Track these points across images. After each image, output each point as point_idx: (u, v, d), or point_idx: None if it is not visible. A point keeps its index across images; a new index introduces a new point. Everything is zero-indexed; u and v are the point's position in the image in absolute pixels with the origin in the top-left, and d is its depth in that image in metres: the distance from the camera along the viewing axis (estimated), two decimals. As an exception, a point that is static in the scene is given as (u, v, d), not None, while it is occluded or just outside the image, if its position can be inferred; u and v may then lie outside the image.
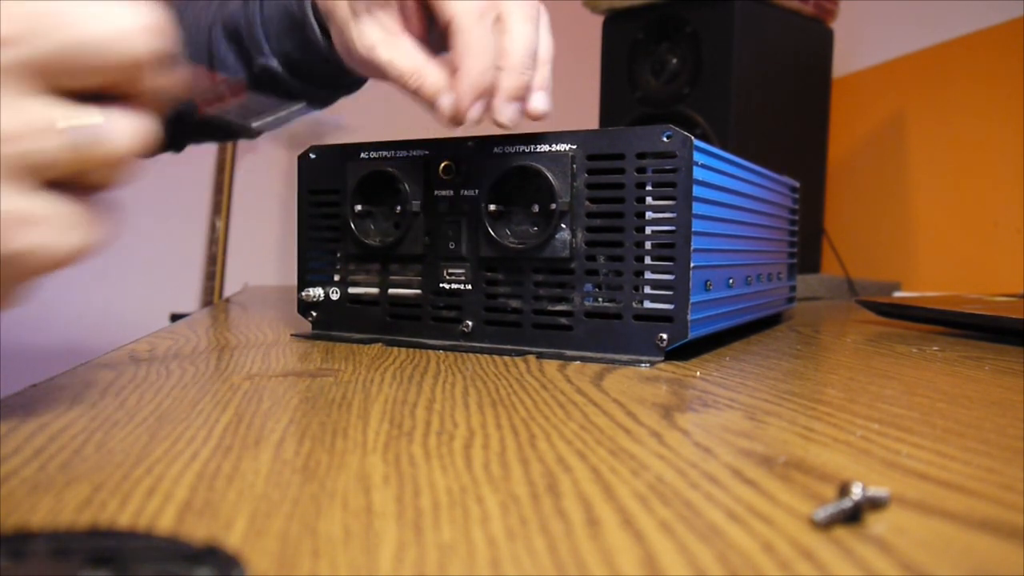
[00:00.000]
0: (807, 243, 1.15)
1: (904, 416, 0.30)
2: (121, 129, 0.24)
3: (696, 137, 0.43)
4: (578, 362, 0.43)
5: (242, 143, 1.64)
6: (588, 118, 1.31)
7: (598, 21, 1.16)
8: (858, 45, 1.33)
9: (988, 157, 1.15)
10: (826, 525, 0.18)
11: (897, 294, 1.15)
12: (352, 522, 0.18)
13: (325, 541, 0.17)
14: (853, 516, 0.18)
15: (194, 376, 0.37)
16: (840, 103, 1.22)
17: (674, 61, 1.06)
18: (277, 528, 0.18)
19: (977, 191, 1.17)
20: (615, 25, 1.13)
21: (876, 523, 0.18)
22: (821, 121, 1.16)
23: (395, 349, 0.48)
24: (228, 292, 1.73)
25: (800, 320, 0.72)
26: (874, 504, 0.19)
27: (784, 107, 1.10)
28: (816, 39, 1.15)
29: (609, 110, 1.15)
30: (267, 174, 1.79)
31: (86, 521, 0.18)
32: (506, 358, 0.44)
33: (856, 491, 0.18)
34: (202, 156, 1.63)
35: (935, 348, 0.52)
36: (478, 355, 0.46)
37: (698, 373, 0.40)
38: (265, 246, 1.85)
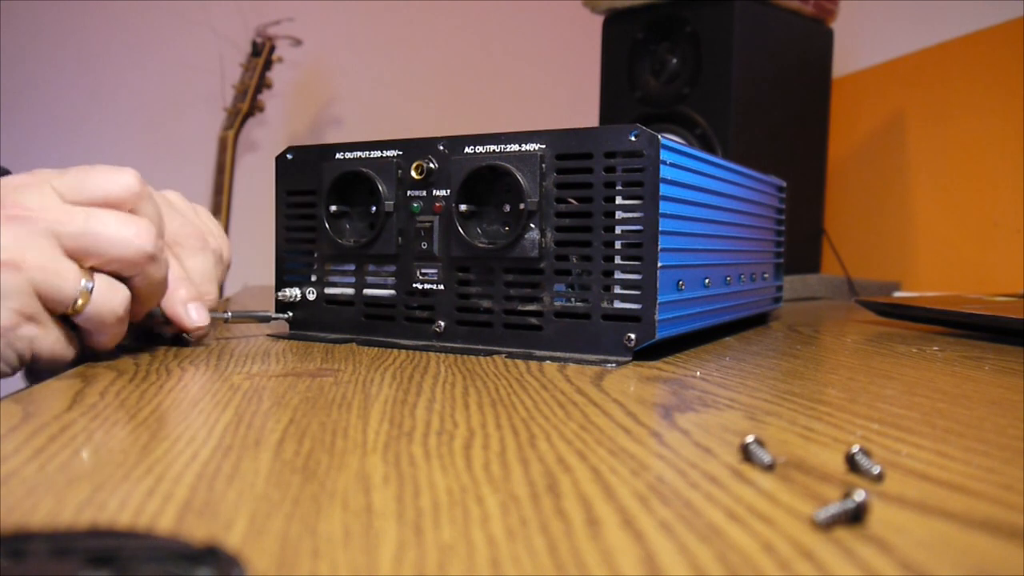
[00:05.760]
0: (807, 243, 1.15)
1: (904, 416, 0.30)
2: (106, 290, 0.38)
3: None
4: (547, 361, 0.43)
5: (243, 142, 1.64)
6: (588, 118, 1.31)
7: (598, 21, 1.16)
8: (858, 45, 1.33)
9: (988, 157, 1.15)
10: (827, 526, 0.18)
11: (897, 294, 1.15)
12: (352, 522, 0.18)
13: (325, 541, 0.17)
14: (855, 517, 0.18)
15: (194, 376, 0.37)
16: (840, 103, 1.22)
17: (674, 61, 1.06)
18: (277, 528, 0.18)
19: (977, 191, 1.17)
20: (615, 25, 1.13)
21: (876, 523, 0.18)
22: (821, 121, 1.16)
23: (395, 350, 0.48)
24: (228, 292, 1.73)
25: (800, 320, 0.72)
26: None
27: (784, 107, 1.10)
28: (816, 39, 1.15)
29: (609, 110, 1.15)
30: (267, 175, 1.79)
31: (86, 521, 0.18)
32: (510, 360, 0.44)
33: (858, 496, 0.18)
34: (201, 157, 1.63)
35: (935, 348, 0.52)
36: (478, 356, 0.46)
37: (698, 373, 0.40)
38: (264, 246, 1.85)
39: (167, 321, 0.47)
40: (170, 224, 0.48)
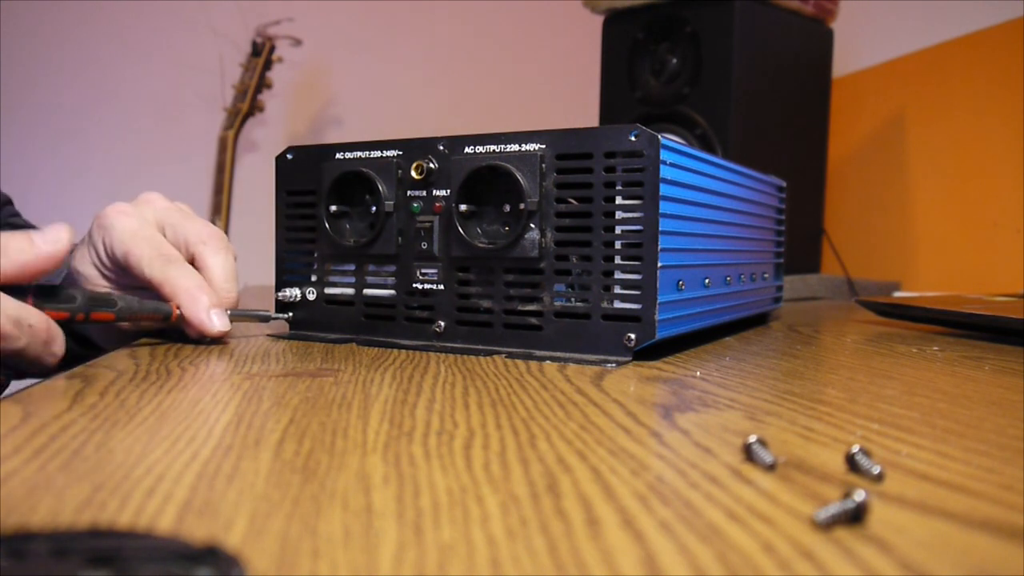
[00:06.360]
0: (807, 243, 1.15)
1: (904, 416, 0.30)
2: None
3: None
4: (547, 361, 0.43)
5: (243, 142, 1.64)
6: (588, 118, 1.31)
7: (598, 21, 1.16)
8: (858, 45, 1.33)
9: (988, 157, 1.15)
10: (827, 526, 0.18)
11: (897, 294, 1.15)
12: (352, 522, 0.18)
13: (325, 541, 0.17)
14: (855, 517, 0.18)
15: (194, 376, 0.37)
16: (840, 103, 1.22)
17: (674, 61, 1.06)
18: (277, 528, 0.18)
19: (977, 191, 1.17)
20: (615, 25, 1.13)
21: (876, 523, 0.18)
22: (821, 121, 1.16)
23: (396, 350, 0.48)
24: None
25: (800, 320, 0.72)
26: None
27: (784, 107, 1.10)
28: (816, 39, 1.15)
29: (609, 110, 1.15)
30: (267, 175, 1.79)
31: (86, 521, 0.18)
32: (510, 360, 0.44)
33: (858, 496, 0.18)
34: (201, 157, 1.63)
35: (935, 348, 0.52)
36: (478, 356, 0.46)
37: (698, 373, 0.40)
38: (264, 247, 1.85)
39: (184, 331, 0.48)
40: (192, 226, 0.50)
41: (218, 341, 0.49)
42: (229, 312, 0.49)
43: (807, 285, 1.08)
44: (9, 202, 0.68)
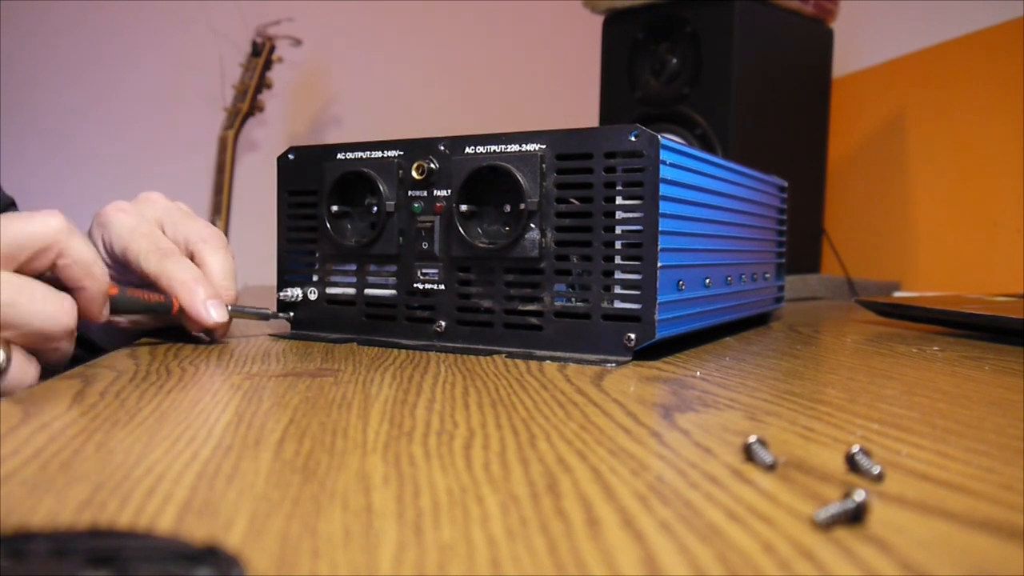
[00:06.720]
0: (807, 243, 1.14)
1: (904, 416, 0.30)
2: (18, 369, 0.37)
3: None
4: (547, 361, 0.43)
5: (243, 142, 1.64)
6: (588, 118, 1.31)
7: (598, 21, 1.16)
8: (858, 45, 1.33)
9: (988, 157, 1.15)
10: (827, 526, 0.18)
11: (897, 294, 1.15)
12: (352, 522, 0.18)
13: (325, 541, 0.17)
14: (855, 517, 0.18)
15: (194, 376, 0.37)
16: (840, 103, 1.22)
17: (674, 61, 1.06)
18: (277, 528, 0.18)
19: (977, 191, 1.17)
20: (615, 25, 1.13)
21: (876, 523, 0.18)
22: (821, 121, 1.16)
23: (396, 350, 0.48)
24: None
25: (800, 320, 0.72)
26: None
27: (784, 107, 1.10)
28: (816, 39, 1.15)
29: (609, 110, 1.15)
30: (267, 175, 1.79)
31: (86, 521, 0.18)
32: (510, 360, 0.44)
33: (858, 496, 0.18)
34: (201, 157, 1.63)
35: (935, 348, 0.52)
36: (479, 356, 0.46)
37: (698, 373, 0.40)
38: (264, 247, 1.85)
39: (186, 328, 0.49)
40: (192, 225, 0.51)
41: (219, 340, 0.49)
42: (231, 308, 0.49)
43: (807, 285, 1.08)
44: (12, 204, 0.68)
